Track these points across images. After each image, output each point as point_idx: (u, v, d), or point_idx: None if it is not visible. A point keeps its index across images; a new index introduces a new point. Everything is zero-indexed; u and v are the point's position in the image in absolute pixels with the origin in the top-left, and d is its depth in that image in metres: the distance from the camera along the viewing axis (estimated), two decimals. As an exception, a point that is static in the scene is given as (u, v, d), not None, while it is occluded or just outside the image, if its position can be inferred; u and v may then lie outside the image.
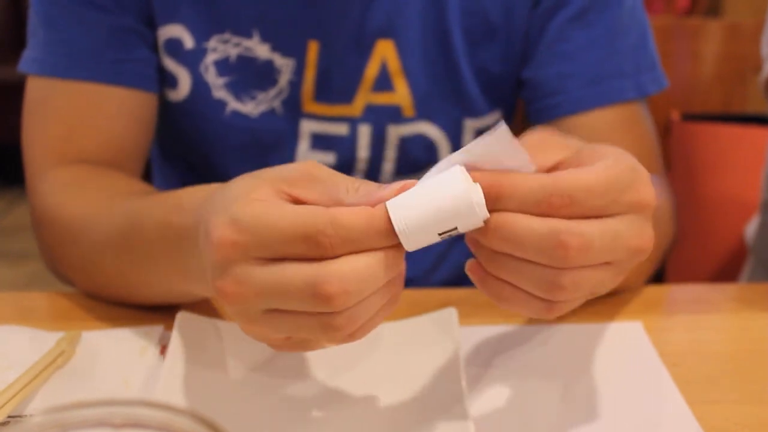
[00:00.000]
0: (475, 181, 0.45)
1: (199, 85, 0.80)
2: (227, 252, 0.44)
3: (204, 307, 0.64)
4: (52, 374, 0.58)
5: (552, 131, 0.50)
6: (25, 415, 0.55)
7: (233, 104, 0.80)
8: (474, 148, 0.45)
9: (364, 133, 0.81)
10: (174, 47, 0.79)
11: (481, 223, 0.45)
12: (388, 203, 0.44)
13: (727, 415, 0.56)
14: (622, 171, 0.46)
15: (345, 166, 0.82)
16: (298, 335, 0.47)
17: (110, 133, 0.77)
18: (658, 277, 1.08)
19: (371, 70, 0.79)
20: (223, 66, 0.79)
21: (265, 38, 0.78)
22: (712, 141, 1.16)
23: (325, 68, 0.79)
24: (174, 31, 0.78)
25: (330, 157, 0.82)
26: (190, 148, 0.85)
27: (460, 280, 0.85)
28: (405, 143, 0.82)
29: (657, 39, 0.84)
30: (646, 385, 0.59)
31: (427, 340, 0.61)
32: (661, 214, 0.72)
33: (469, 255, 0.49)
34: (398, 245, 0.44)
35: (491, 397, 0.58)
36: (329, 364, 0.59)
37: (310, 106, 0.81)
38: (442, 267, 0.90)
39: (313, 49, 0.78)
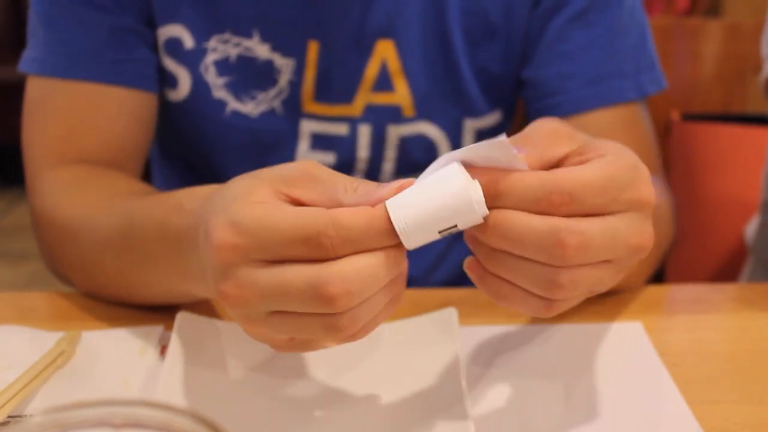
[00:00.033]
0: (474, 177, 0.45)
1: (199, 85, 0.80)
2: (228, 255, 0.44)
3: (204, 307, 0.64)
4: (52, 374, 0.58)
5: (560, 122, 0.50)
6: (25, 415, 0.55)
7: (233, 104, 0.80)
8: (472, 150, 0.45)
9: (364, 133, 0.81)
10: (174, 47, 0.79)
11: (480, 220, 0.45)
12: (388, 202, 0.44)
13: (727, 415, 0.56)
14: (622, 169, 0.46)
15: (345, 166, 0.82)
16: (301, 336, 0.47)
17: (110, 133, 0.77)
18: (658, 277, 1.08)
19: (371, 70, 0.79)
20: (223, 66, 0.79)
21: (265, 38, 0.78)
22: (712, 141, 1.16)
23: (325, 68, 0.79)
24: (174, 30, 0.78)
25: (330, 157, 0.82)
26: (190, 148, 0.85)
27: (460, 280, 0.85)
28: (405, 143, 0.82)
29: (657, 39, 0.84)
30: (646, 385, 0.59)
31: (427, 340, 0.61)
32: (661, 214, 0.72)
33: (469, 254, 0.49)
34: (399, 244, 0.44)
35: (491, 397, 0.58)
36: (329, 364, 0.59)
37: (310, 106, 0.81)
38: (442, 267, 0.90)
39: (313, 49, 0.78)
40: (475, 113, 0.83)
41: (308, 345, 0.48)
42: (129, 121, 0.77)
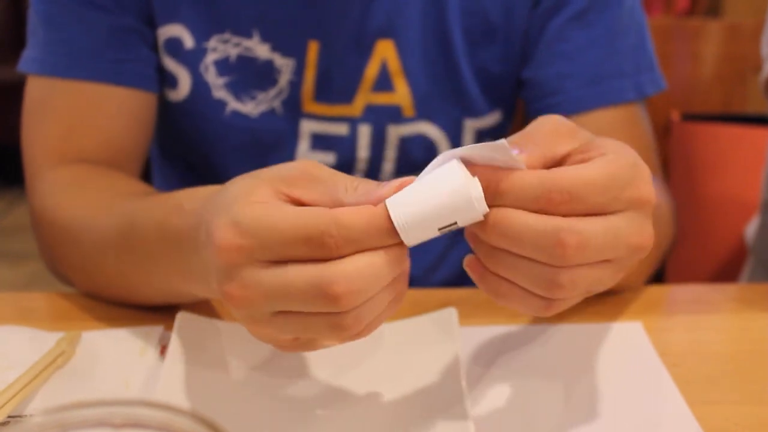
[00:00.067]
0: (474, 175, 0.45)
1: (199, 85, 0.80)
2: (231, 256, 0.44)
3: (204, 307, 0.64)
4: (52, 374, 0.58)
5: (562, 119, 0.50)
6: (25, 415, 0.55)
7: (233, 104, 0.80)
8: (471, 149, 0.45)
9: (364, 133, 0.81)
10: (174, 47, 0.79)
11: (480, 217, 0.45)
12: (388, 201, 0.44)
13: (727, 416, 0.56)
14: (623, 167, 0.46)
15: (345, 166, 0.82)
16: (305, 336, 0.47)
17: (110, 132, 0.77)
18: (658, 277, 1.08)
19: (371, 70, 0.79)
20: (223, 66, 0.79)
21: (265, 38, 0.78)
22: (712, 141, 1.16)
23: (325, 68, 0.79)
24: (174, 30, 0.78)
25: (330, 157, 0.82)
26: (190, 148, 0.85)
27: (460, 280, 0.85)
28: (405, 143, 0.82)
29: (657, 40, 0.84)
30: (646, 385, 0.59)
31: (427, 340, 0.61)
32: (661, 214, 0.72)
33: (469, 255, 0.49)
34: (401, 242, 0.44)
35: (491, 397, 0.58)
36: (329, 364, 0.59)
37: (310, 106, 0.81)
38: (442, 267, 0.90)
39: (313, 49, 0.78)
40: (475, 113, 0.83)
41: (312, 344, 0.48)
42: (129, 120, 0.77)
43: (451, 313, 0.62)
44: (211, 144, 0.83)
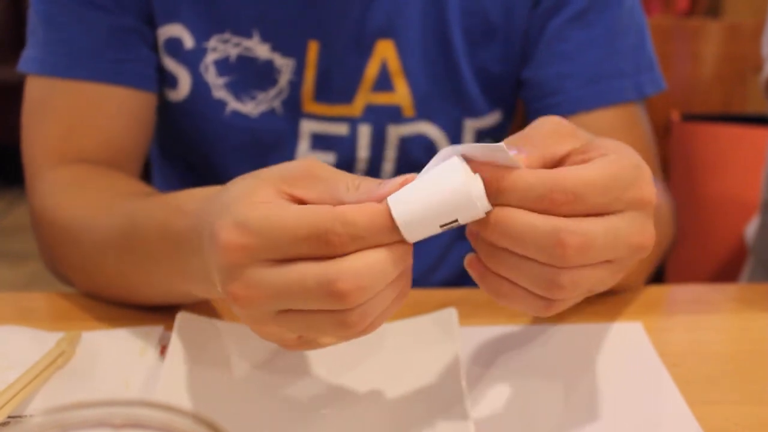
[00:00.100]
0: (476, 172, 0.45)
1: (199, 85, 0.80)
2: (236, 256, 0.44)
3: (204, 307, 0.65)
4: (52, 374, 0.58)
5: (562, 119, 0.50)
6: (25, 416, 0.55)
7: (233, 104, 0.80)
8: (470, 149, 0.45)
9: (364, 133, 0.81)
10: (174, 47, 0.79)
11: (481, 215, 0.45)
12: (389, 199, 0.44)
13: (727, 416, 0.56)
14: (625, 168, 0.46)
15: (345, 166, 0.82)
16: (310, 334, 0.47)
17: (110, 132, 0.77)
18: (658, 277, 1.08)
19: (371, 70, 0.79)
20: (223, 66, 0.79)
21: (265, 38, 0.78)
22: (712, 141, 1.16)
23: (325, 68, 0.79)
24: (174, 30, 0.78)
25: (330, 157, 0.82)
26: (190, 148, 0.85)
27: (460, 280, 0.85)
28: (405, 143, 0.82)
29: (656, 40, 0.84)
30: (646, 385, 0.59)
31: (427, 340, 0.61)
32: (661, 215, 0.72)
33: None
34: (405, 239, 0.44)
35: (491, 397, 0.58)
36: (329, 364, 0.59)
37: (310, 106, 0.81)
38: (442, 267, 0.90)
39: (313, 49, 0.78)
40: (475, 113, 0.83)
41: (317, 342, 0.48)
42: (129, 120, 0.77)
43: (451, 314, 0.62)
44: (211, 144, 0.83)
